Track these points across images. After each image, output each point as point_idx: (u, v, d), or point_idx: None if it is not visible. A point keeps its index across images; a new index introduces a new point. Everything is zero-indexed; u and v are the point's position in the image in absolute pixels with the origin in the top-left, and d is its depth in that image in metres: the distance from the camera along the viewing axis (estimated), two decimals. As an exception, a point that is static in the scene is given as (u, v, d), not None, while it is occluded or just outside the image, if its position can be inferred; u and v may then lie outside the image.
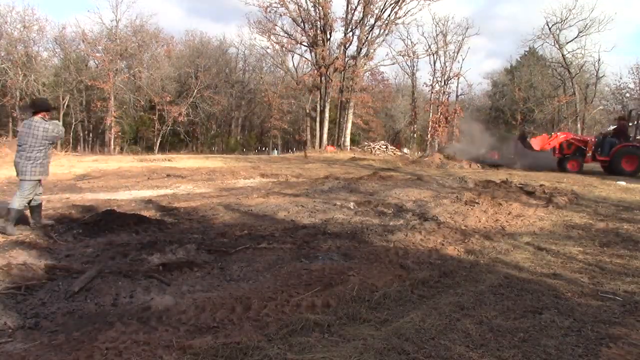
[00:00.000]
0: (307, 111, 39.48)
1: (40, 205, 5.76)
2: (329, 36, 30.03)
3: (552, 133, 18.38)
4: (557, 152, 16.39)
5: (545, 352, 2.74)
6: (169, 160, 17.14)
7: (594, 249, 5.32)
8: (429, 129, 37.66)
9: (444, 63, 37.28)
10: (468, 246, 5.28)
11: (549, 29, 33.73)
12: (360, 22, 29.42)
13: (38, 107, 5.66)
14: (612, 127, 19.65)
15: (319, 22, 29.64)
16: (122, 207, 6.88)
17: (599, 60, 35.04)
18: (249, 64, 48.12)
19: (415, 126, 39.77)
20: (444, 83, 37.45)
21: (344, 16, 29.91)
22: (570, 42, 34.19)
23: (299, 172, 14.10)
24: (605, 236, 5.96)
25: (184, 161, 16.88)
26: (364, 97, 35.44)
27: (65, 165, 14.16)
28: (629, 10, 59.72)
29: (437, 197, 8.65)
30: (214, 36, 61.79)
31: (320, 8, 29.10)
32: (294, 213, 6.90)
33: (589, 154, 15.89)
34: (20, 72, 30.46)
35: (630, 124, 16.71)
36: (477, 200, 8.11)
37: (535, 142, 16.53)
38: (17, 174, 5.51)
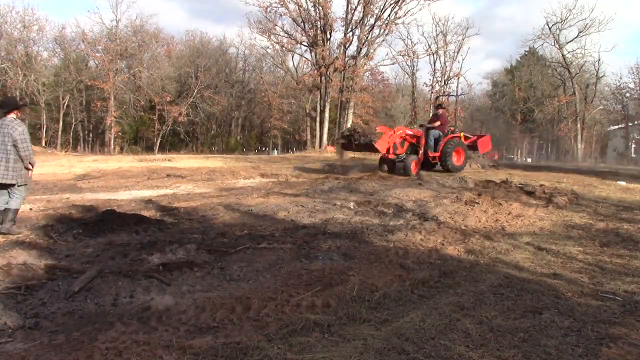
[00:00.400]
0: (307, 111, 39.50)
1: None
2: (329, 36, 30.06)
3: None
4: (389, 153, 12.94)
5: (545, 352, 2.74)
6: (169, 160, 17.13)
7: (594, 249, 5.32)
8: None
9: (444, 63, 37.34)
10: (468, 246, 5.28)
11: (549, 28, 33.79)
12: (360, 22, 29.44)
13: (7, 106, 5.44)
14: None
15: (319, 22, 29.66)
16: (122, 207, 6.88)
17: (599, 60, 35.08)
18: (249, 64, 48.19)
19: (415, 126, 39.78)
20: (444, 83, 37.48)
21: (344, 16, 29.97)
22: (570, 42, 34.27)
23: (299, 172, 14.10)
24: (605, 236, 5.96)
25: (184, 161, 16.88)
26: (364, 97, 35.47)
27: (65, 165, 14.17)
28: (628, 12, 59.75)
29: (437, 197, 8.65)
30: (214, 36, 61.93)
31: (320, 8, 29.12)
32: (294, 213, 6.90)
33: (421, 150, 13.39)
34: (20, 72, 30.47)
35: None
36: (477, 200, 8.11)
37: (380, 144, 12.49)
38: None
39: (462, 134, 14.83)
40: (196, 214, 6.74)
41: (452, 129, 14.89)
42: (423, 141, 13.42)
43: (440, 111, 14.55)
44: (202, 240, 5.19)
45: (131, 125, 39.36)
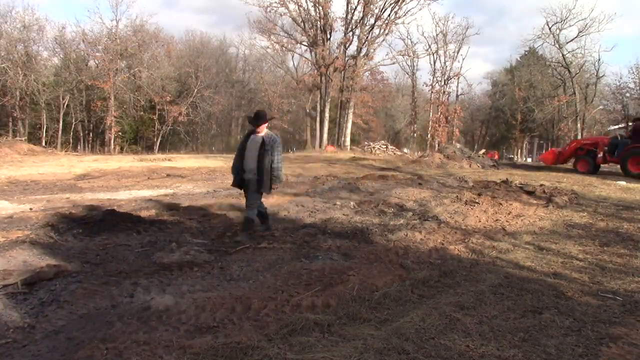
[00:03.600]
0: (307, 111, 39.49)
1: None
2: (329, 36, 30.04)
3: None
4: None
5: (546, 352, 2.74)
6: (169, 160, 17.13)
7: (594, 249, 5.32)
8: (429, 128, 37.69)
9: (444, 63, 37.32)
10: (468, 246, 5.28)
11: (549, 28, 33.72)
12: (360, 21, 29.43)
13: (261, 118, 5.17)
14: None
15: (319, 22, 29.64)
16: (123, 207, 6.88)
17: (599, 60, 35.05)
18: (249, 63, 48.15)
19: (415, 126, 39.78)
20: (444, 83, 37.48)
21: (344, 16, 29.95)
22: (570, 41, 34.20)
23: (300, 171, 14.10)
24: (606, 236, 5.96)
25: (184, 161, 16.88)
26: (364, 97, 35.45)
27: (65, 165, 14.16)
28: (628, 13, 59.73)
29: (437, 196, 8.64)
30: (214, 36, 61.76)
31: (320, 8, 29.11)
32: (294, 213, 6.90)
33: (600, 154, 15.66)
34: (20, 72, 30.43)
35: None
36: (477, 200, 8.11)
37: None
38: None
39: None
40: (196, 213, 6.74)
41: None
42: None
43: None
44: (202, 240, 5.19)
45: (131, 125, 39.31)
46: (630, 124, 17.19)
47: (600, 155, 15.62)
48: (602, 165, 16.25)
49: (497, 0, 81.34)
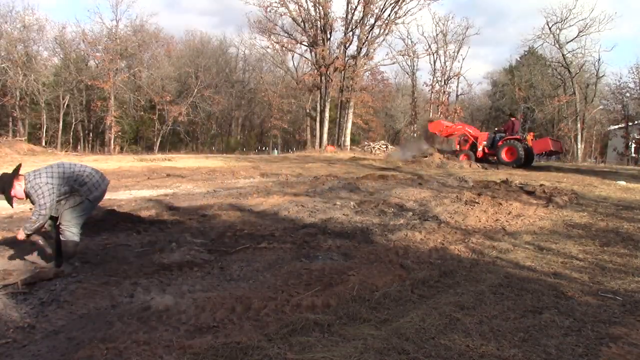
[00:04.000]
0: (307, 111, 39.47)
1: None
2: (329, 36, 30.04)
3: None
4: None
5: (546, 352, 2.73)
6: (169, 159, 17.13)
7: (594, 249, 5.32)
8: (429, 128, 37.62)
9: (444, 63, 37.33)
10: (468, 246, 5.28)
11: (549, 28, 33.71)
12: (360, 21, 29.43)
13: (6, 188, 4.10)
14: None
15: (319, 22, 29.64)
16: (123, 207, 6.88)
17: (599, 59, 35.04)
18: (249, 63, 48.13)
19: (415, 126, 39.77)
20: (444, 83, 37.49)
21: (344, 16, 29.94)
22: (570, 41, 34.18)
23: (300, 171, 14.10)
24: (606, 235, 5.96)
25: (184, 161, 16.88)
26: (364, 97, 35.45)
27: (65, 165, 14.13)
28: (628, 13, 59.72)
29: (437, 196, 8.64)
30: (214, 36, 61.77)
31: (320, 8, 29.11)
32: (294, 212, 6.90)
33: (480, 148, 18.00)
34: (20, 72, 30.44)
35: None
36: (477, 200, 8.11)
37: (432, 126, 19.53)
38: None
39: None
40: (196, 213, 6.74)
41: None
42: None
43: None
44: (202, 240, 5.19)
45: (131, 125, 39.32)
46: (509, 120, 19.49)
47: (480, 149, 18.03)
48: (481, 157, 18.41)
49: (497, 2, 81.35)
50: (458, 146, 18.94)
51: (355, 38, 30.13)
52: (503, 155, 17.29)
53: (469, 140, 18.55)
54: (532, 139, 18.07)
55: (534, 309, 3.42)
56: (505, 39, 78.87)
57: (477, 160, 17.98)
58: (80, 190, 4.24)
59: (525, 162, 17.12)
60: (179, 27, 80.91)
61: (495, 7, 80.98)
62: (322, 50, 29.15)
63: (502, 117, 47.66)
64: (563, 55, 34.40)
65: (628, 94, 36.97)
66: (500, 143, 17.49)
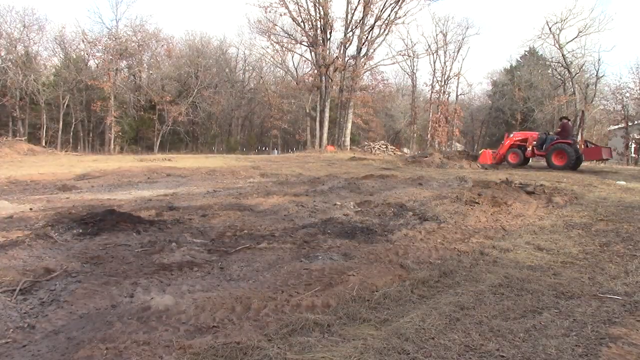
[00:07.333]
0: (307, 111, 39.49)
1: None
2: (329, 36, 30.09)
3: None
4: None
5: (545, 352, 2.73)
6: (169, 159, 17.15)
7: (594, 249, 5.31)
8: (429, 128, 37.69)
9: (444, 63, 37.35)
10: (468, 246, 5.28)
11: (549, 28, 33.75)
12: (360, 22, 29.48)
13: None
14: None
15: (319, 22, 29.67)
16: (123, 207, 6.88)
17: (599, 60, 35.09)
18: (249, 63, 48.18)
19: (415, 126, 39.79)
20: (444, 83, 37.51)
21: (344, 16, 30.00)
22: (570, 42, 34.23)
23: (300, 171, 14.10)
24: (605, 236, 5.96)
25: (184, 161, 16.89)
26: (364, 97, 35.47)
27: (65, 165, 14.17)
28: (629, 12, 59.65)
29: (437, 196, 8.64)
30: (214, 36, 61.82)
31: (320, 8, 29.14)
32: (294, 212, 6.90)
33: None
34: (20, 72, 30.45)
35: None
36: (477, 200, 8.11)
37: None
38: None
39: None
40: (196, 213, 6.74)
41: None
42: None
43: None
44: (202, 240, 5.19)
45: (131, 125, 39.32)
46: (560, 122, 19.35)
47: (529, 149, 18.01)
48: (531, 158, 18.81)
49: (497, 2, 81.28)
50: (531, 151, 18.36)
51: (355, 38, 30.22)
52: (552, 158, 17.01)
53: (528, 140, 18.32)
54: (583, 146, 17.77)
55: (534, 309, 3.42)
56: (505, 39, 78.76)
57: (525, 160, 18.31)
58: None
59: (573, 166, 16.89)
60: (178, 26, 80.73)
61: (495, 8, 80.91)
62: (322, 50, 29.17)
63: (502, 117, 47.72)
64: (563, 55, 34.44)
65: (628, 94, 37.00)
66: (550, 145, 17.26)
